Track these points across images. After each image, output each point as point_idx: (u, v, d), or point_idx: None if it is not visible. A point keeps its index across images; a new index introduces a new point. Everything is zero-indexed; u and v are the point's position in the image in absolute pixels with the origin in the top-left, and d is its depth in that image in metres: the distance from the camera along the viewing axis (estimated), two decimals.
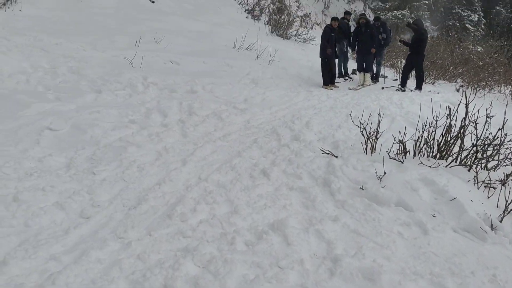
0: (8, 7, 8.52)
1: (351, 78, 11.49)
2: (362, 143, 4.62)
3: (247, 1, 16.22)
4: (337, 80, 10.67)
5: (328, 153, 4.47)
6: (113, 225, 2.72)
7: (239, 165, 3.95)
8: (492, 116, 4.32)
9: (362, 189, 3.64)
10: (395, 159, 4.23)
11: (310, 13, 20.17)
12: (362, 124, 4.57)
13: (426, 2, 22.52)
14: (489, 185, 3.73)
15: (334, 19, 10.07)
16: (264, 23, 15.58)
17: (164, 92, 6.29)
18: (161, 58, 8.09)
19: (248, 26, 13.61)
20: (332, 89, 9.49)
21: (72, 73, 6.07)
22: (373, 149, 4.52)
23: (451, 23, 25.62)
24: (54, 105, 4.77)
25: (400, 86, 10.04)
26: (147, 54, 7.89)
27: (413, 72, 10.36)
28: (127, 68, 7.01)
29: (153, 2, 11.98)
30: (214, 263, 2.32)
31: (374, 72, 11.28)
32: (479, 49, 18.57)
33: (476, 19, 26.04)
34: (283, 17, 16.24)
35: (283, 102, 7.20)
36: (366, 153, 4.50)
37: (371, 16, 22.15)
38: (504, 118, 4.23)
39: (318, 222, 2.98)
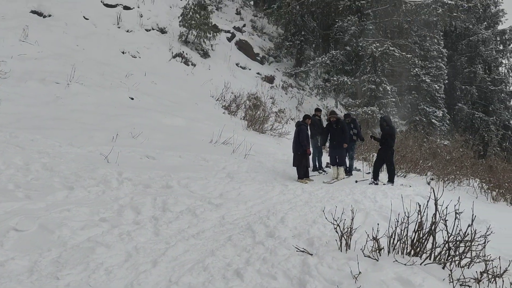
0: None
1: (325, 171, 11.75)
2: (336, 240, 4.59)
3: (224, 97, 16.92)
4: (311, 173, 10.88)
5: (303, 251, 4.40)
6: None
7: (212, 265, 3.83)
8: (461, 212, 4.41)
9: None
10: (370, 256, 4.19)
11: (284, 108, 21.08)
12: (336, 221, 4.58)
13: (393, 99, 23.91)
14: (464, 284, 3.70)
15: (306, 117, 10.57)
16: (241, 118, 16.13)
17: (139, 188, 6.26)
18: (137, 153, 8.16)
19: (224, 121, 14.07)
20: (307, 183, 9.62)
21: (45, 170, 6.03)
22: (347, 246, 4.49)
23: (418, 119, 27.06)
24: (23, 204, 4.66)
25: (373, 180, 10.27)
26: (124, 150, 7.96)
27: (385, 166, 10.69)
28: (102, 163, 7.02)
29: (132, 99, 12.36)
30: None
31: (347, 166, 11.58)
32: (445, 143, 19.49)
33: (440, 114, 27.62)
34: (258, 112, 16.90)
35: (258, 197, 7.22)
36: (341, 251, 4.46)
37: (342, 112, 23.30)
38: (472, 214, 4.33)
39: None
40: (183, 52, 18.51)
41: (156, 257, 3.89)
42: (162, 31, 19.39)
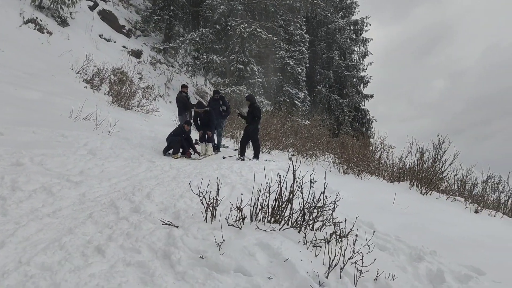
0: None
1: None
2: (202, 212, 4.67)
3: (85, 71, 15.75)
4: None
5: (168, 224, 4.39)
6: None
7: (70, 243, 3.59)
8: (316, 181, 4.82)
9: (202, 258, 3.63)
10: (233, 225, 4.36)
11: (152, 85, 20.48)
12: (202, 193, 4.64)
13: (260, 80, 24.88)
14: (316, 245, 4.08)
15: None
16: (105, 93, 15.23)
17: None
18: None
19: (86, 96, 13.13)
20: (177, 159, 9.56)
21: None
22: (213, 217, 4.60)
23: (282, 99, 28.65)
24: None
25: (239, 156, 10.63)
26: None
27: (251, 143, 11.14)
28: None
29: None
30: None
31: (215, 143, 11.80)
32: (306, 122, 21.01)
33: (302, 96, 29.64)
34: (124, 88, 16.14)
35: (123, 173, 6.95)
36: (207, 222, 4.55)
37: (211, 90, 23.50)
38: (325, 182, 4.78)
39: None
40: (36, 18, 16.67)
41: (3, 238, 3.50)
42: None
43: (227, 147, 12.73)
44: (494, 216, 8.41)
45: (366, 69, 37.09)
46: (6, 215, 4.09)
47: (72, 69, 15.38)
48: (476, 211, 8.44)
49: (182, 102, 11.50)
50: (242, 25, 23.80)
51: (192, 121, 11.46)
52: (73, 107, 10.35)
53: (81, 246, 3.61)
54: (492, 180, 10.19)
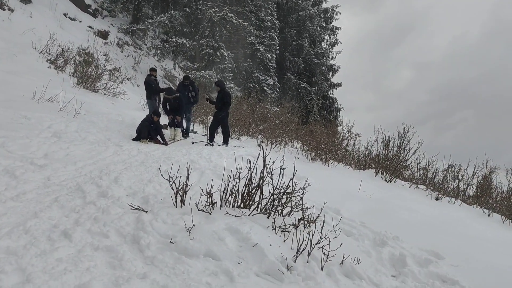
0: None
1: None
2: (172, 197, 4.66)
3: (49, 50, 15.20)
4: None
5: (137, 208, 4.35)
6: None
7: (35, 228, 3.51)
8: (285, 168, 4.88)
9: (172, 242, 3.63)
10: (203, 210, 4.38)
11: (120, 67, 20.01)
12: (172, 178, 4.62)
13: (230, 65, 24.71)
14: (284, 230, 4.16)
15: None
16: (69, 75, 14.77)
17: None
18: None
19: (50, 76, 12.70)
20: (146, 144, 9.44)
21: None
22: (182, 202, 4.59)
23: (251, 85, 28.60)
24: None
25: (208, 141, 10.60)
26: None
27: (220, 128, 11.11)
28: None
29: None
30: None
31: (184, 128, 11.70)
32: (275, 109, 21.10)
33: (272, 83, 29.68)
34: (90, 69, 15.70)
35: (90, 157, 6.81)
36: (176, 207, 4.54)
37: (180, 74, 23.20)
38: (294, 169, 4.85)
39: (126, 282, 2.83)
40: None
41: None
42: None
43: (196, 132, 12.65)
44: (454, 203, 8.77)
45: (335, 57, 37.40)
46: None
47: (35, 48, 14.80)
48: (437, 199, 8.79)
49: (151, 85, 11.32)
50: (213, 9, 23.49)
51: (161, 106, 11.31)
52: (36, 87, 10.01)
53: (47, 230, 3.54)
54: (453, 168, 10.61)
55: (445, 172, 10.62)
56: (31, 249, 3.11)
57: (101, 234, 3.64)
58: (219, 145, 10.50)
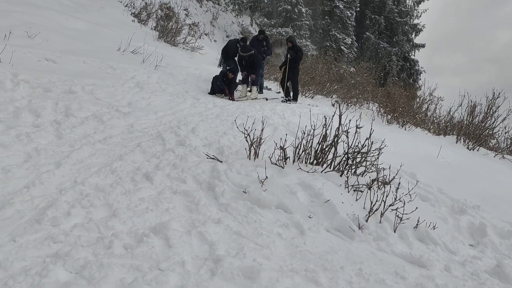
0: None
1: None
2: (246, 149, 4.74)
3: (133, 4, 15.73)
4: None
5: (213, 158, 4.49)
6: None
7: (120, 169, 3.77)
8: (361, 127, 4.75)
9: (245, 192, 3.72)
10: (276, 164, 4.42)
11: (198, 22, 20.27)
12: (246, 131, 4.69)
13: (307, 22, 24.08)
14: (357, 189, 4.09)
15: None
16: (152, 28, 15.25)
17: (38, 91, 5.74)
18: (35, 55, 7.40)
19: (134, 29, 13.19)
20: (222, 98, 9.63)
21: None
22: (256, 155, 4.67)
23: (328, 44, 27.76)
24: None
25: (285, 97, 10.61)
26: (19, 50, 7.17)
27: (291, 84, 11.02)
28: None
29: None
30: (88, 268, 2.16)
31: (258, 84, 11.70)
32: (351, 69, 20.39)
33: (349, 42, 28.58)
34: (171, 23, 16.07)
35: (169, 108, 7.08)
36: (250, 159, 4.63)
37: (256, 31, 23.01)
38: (371, 129, 4.70)
39: (201, 225, 2.97)
40: None
41: (59, 159, 3.71)
42: None
43: (270, 89, 12.63)
44: None
45: (420, 16, 34.92)
46: (61, 138, 4.30)
47: (121, 1, 15.38)
48: None
49: (229, 52, 11.05)
50: None
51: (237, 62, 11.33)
52: (121, 40, 10.46)
53: (130, 172, 3.78)
54: None
55: None
56: (117, 187, 3.34)
57: (179, 179, 3.82)
58: (289, 101, 10.45)
